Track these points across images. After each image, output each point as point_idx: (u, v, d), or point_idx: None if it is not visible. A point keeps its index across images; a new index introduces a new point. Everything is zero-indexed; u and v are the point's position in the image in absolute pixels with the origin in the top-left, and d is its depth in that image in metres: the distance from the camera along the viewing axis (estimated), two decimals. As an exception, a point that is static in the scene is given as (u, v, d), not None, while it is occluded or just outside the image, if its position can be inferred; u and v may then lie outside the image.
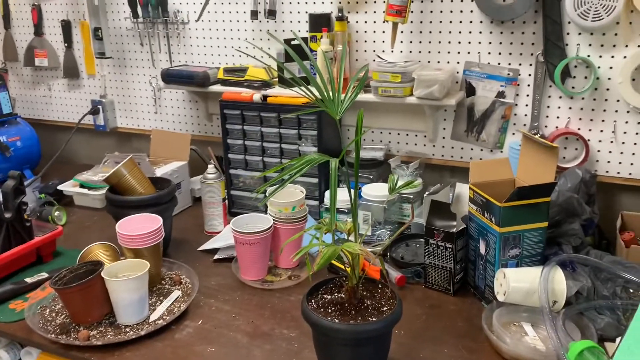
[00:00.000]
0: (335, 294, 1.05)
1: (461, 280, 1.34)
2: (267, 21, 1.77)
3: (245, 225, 1.39)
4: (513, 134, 1.56)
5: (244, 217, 1.42)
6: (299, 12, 1.73)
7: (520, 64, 1.51)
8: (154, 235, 1.31)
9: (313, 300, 1.03)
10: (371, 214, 1.56)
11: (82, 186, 1.87)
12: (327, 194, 1.62)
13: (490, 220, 1.20)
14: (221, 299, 1.32)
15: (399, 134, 1.72)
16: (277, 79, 1.71)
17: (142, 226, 1.33)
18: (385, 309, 0.99)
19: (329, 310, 0.99)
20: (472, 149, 1.64)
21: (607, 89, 1.44)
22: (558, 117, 1.51)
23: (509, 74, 1.52)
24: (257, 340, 1.17)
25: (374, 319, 0.96)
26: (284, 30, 1.76)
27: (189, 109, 2.01)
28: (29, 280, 1.37)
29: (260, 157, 1.70)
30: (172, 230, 1.57)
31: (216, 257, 1.52)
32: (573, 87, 1.47)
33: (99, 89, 2.13)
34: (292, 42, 1.63)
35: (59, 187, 1.88)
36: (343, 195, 1.58)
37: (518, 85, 1.52)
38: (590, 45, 1.43)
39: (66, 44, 2.12)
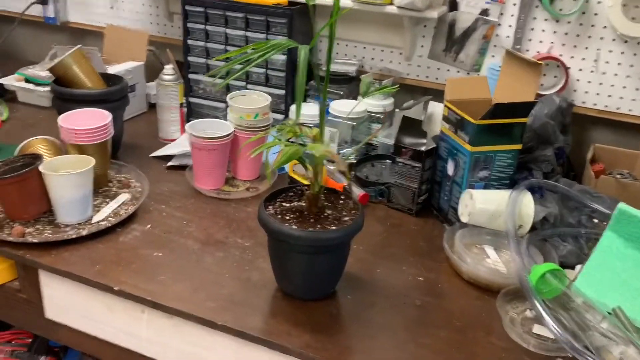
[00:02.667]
0: (295, 202, 0.98)
1: (424, 203, 1.29)
2: None
3: (203, 131, 1.29)
4: (493, 56, 1.48)
5: (203, 122, 1.32)
6: None
7: (508, -20, 1.41)
8: (102, 131, 1.21)
9: (271, 207, 0.96)
10: (338, 131, 1.48)
11: (27, 81, 1.71)
12: (292, 107, 1.52)
13: (462, 139, 1.14)
14: (173, 206, 1.24)
15: (373, 49, 1.62)
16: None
17: (88, 121, 1.22)
18: (346, 219, 0.93)
19: (287, 217, 0.93)
20: (448, 70, 1.56)
21: (595, 14, 1.36)
22: (541, 42, 1.43)
23: (495, -10, 1.42)
24: (210, 247, 1.10)
25: (333, 228, 0.90)
26: None
27: (147, 5, 1.84)
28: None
29: (223, 62, 1.58)
30: (123, 133, 1.46)
31: (170, 164, 1.42)
32: (560, 10, 1.39)
33: (50, -23, 1.93)
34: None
35: (1, 81, 1.72)
36: (310, 110, 1.51)
37: (504, 3, 1.43)
38: (583, -36, 1.34)
39: None
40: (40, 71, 1.71)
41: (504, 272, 1.04)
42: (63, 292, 1.07)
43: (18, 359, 1.49)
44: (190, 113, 1.66)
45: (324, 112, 0.88)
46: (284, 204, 0.98)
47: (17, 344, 1.48)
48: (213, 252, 1.09)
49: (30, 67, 1.75)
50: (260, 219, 0.92)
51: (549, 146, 1.25)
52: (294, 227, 0.89)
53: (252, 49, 0.75)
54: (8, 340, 1.46)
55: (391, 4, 1.41)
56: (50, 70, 1.33)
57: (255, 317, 0.93)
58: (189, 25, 1.57)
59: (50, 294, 1.09)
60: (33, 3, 1.90)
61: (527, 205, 1.10)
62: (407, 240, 1.18)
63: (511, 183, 1.18)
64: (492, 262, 1.08)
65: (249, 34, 1.53)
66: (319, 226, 0.91)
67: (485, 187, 1.17)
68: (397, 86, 0.97)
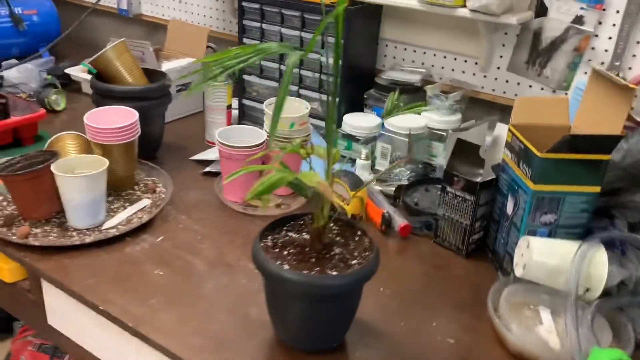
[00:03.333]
0: (303, 234, 0.83)
1: (479, 242, 1.09)
2: None
3: (234, 138, 1.18)
4: (585, 73, 1.24)
5: (235, 129, 1.21)
6: None
7: (611, -18, 1.16)
8: (127, 131, 1.13)
9: (271, 237, 0.82)
10: (392, 147, 1.31)
11: (89, 72, 1.70)
12: (346, 118, 1.37)
13: (525, 173, 0.93)
14: (193, 217, 1.14)
15: (445, 57, 1.42)
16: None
17: (116, 119, 1.15)
18: (354, 262, 0.77)
19: (285, 252, 0.78)
20: (530, 86, 1.32)
21: None
22: (649, 58, 1.17)
23: (594, -6, 1.18)
24: (215, 271, 0.99)
25: (333, 273, 0.74)
26: None
27: (214, 0, 1.77)
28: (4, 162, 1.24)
29: (278, 63, 1.46)
30: (163, 132, 1.39)
31: (206, 169, 1.33)
32: (677, 20, 1.12)
33: (127, -31, 1.93)
34: None
35: (67, 71, 1.73)
36: (365, 121, 1.35)
37: (604, 10, 1.18)
38: None
39: None
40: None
41: (556, 348, 0.82)
42: (61, 301, 1.00)
43: (45, 354, 1.48)
44: (243, 116, 1.57)
45: (332, 131, 0.72)
46: (290, 233, 0.83)
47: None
48: (218, 276, 0.97)
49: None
50: (252, 251, 0.78)
51: (643, 190, 1.00)
52: (286, 266, 0.74)
53: (236, 53, 0.62)
54: (35, 334, 1.45)
55: (464, 6, 1.22)
56: (91, 63, 1.29)
57: (240, 365, 0.80)
58: (245, 22, 1.47)
59: (50, 300, 1.03)
60: (107, -6, 1.90)
61: (599, 264, 0.87)
62: (448, 288, 0.99)
63: (585, 233, 0.95)
64: (545, 331, 0.86)
65: (304, 34, 1.40)
66: (317, 268, 0.75)
67: (550, 234, 0.95)
68: (428, 107, 0.78)
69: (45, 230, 1.04)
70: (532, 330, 0.86)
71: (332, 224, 0.85)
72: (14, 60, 1.65)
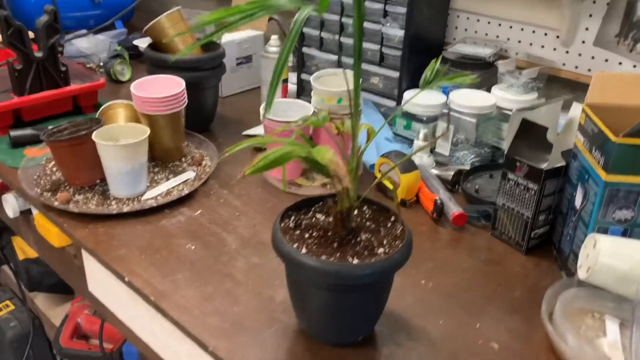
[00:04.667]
0: (330, 217, 0.76)
1: (544, 237, 0.96)
2: None
3: (283, 113, 1.12)
4: (689, 48, 1.06)
5: (285, 103, 1.15)
6: None
7: None
8: (172, 101, 1.11)
9: (295, 217, 0.75)
10: (454, 128, 1.20)
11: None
12: (407, 94, 1.27)
13: (597, 160, 0.80)
14: (235, 193, 1.10)
15: (522, 29, 1.27)
16: None
17: (163, 89, 1.13)
18: (380, 250, 0.69)
19: (307, 235, 0.72)
20: (620, 63, 1.15)
21: None
22: None
23: None
24: (248, 250, 0.94)
25: (355, 261, 0.67)
26: None
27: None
28: (50, 127, 1.26)
29: (338, 35, 1.38)
30: (217, 104, 1.36)
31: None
32: None
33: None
34: None
35: (135, 42, 1.75)
36: (428, 99, 1.24)
37: None
38: None
39: None
40: (169, 34, 1.69)
41: (618, 367, 0.70)
42: (97, 269, 1.00)
43: (98, 319, 1.52)
44: (301, 91, 1.50)
45: (357, 102, 0.64)
46: (317, 215, 0.76)
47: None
48: (249, 255, 0.92)
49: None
50: (272, 231, 0.72)
51: None
52: (304, 250, 0.68)
53: (241, 9, 0.55)
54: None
55: (543, -31, 1.07)
56: (145, 32, 1.27)
57: (255, 353, 0.75)
58: (306, -9, 1.40)
59: (90, 267, 1.03)
60: (179, -34, 1.89)
61: (682, 274, 0.73)
62: (500, 286, 0.88)
63: (669, 234, 0.80)
64: (609, 345, 0.74)
65: (366, 2, 1.30)
66: (338, 255, 0.68)
67: (624, 234, 0.81)
68: (475, 77, 0.67)
69: (87, 197, 1.04)
70: (593, 343, 0.74)
71: (365, 207, 0.77)
72: (83, 31, 1.68)
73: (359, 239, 0.71)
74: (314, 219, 0.75)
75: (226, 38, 1.50)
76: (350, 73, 1.14)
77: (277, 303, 0.83)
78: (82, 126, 1.08)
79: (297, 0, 0.55)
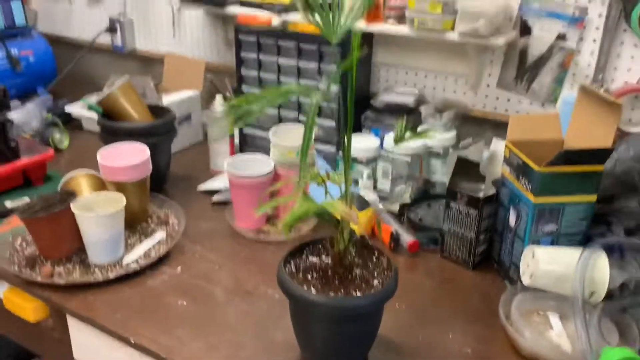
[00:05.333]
0: (323, 258, 0.88)
1: (484, 254, 1.14)
2: None
3: (243, 167, 1.22)
4: (571, 86, 1.31)
5: (244, 157, 1.26)
6: None
7: (589, 1, 1.24)
8: (140, 168, 1.17)
9: (293, 262, 0.86)
10: (392, 166, 1.37)
11: (90, 108, 1.74)
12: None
13: (525, 186, 0.99)
14: (208, 247, 1.18)
15: (436, 77, 1.49)
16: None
17: (127, 157, 1.19)
18: (375, 282, 0.82)
19: (309, 277, 0.83)
20: (520, 102, 1.39)
21: (698, 39, 1.16)
22: (629, 70, 1.24)
23: (574, 13, 1.25)
24: (236, 299, 1.03)
25: (358, 294, 0.79)
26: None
27: (208, 33, 1.83)
28: (8, 204, 1.27)
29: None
30: (170, 165, 1.43)
31: (214, 198, 1.37)
32: (654, 34, 1.19)
33: (119, 6, 1.97)
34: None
35: (67, 109, 1.77)
36: (364, 143, 1.40)
37: (584, 27, 1.26)
38: (683, -19, 1.14)
39: (87, -46, 1.96)
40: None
41: (568, 351, 0.87)
42: (89, 337, 1.03)
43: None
44: (244, 144, 1.61)
45: (349, 152, 0.77)
46: (311, 258, 0.88)
47: None
48: (238, 304, 1.01)
49: (95, 94, 1.78)
50: (278, 278, 0.82)
51: (635, 195, 1.06)
52: (313, 291, 0.79)
53: (260, 96, 0.66)
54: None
55: (453, 29, 1.28)
56: (99, 103, 1.33)
57: (271, 387, 0.84)
58: (243, 54, 1.53)
59: (78, 336, 1.06)
60: (102, 32, 1.95)
61: (600, 269, 0.93)
62: (459, 300, 1.04)
63: (585, 239, 1.01)
64: (556, 335, 0.92)
65: (301, 63, 1.45)
66: (342, 290, 0.80)
67: (553, 243, 1.00)
68: (431, 135, 0.83)
69: (68, 268, 1.07)
70: (544, 335, 0.92)
71: (351, 247, 0.90)
72: (16, 102, 1.68)
73: (354, 274, 0.83)
74: (309, 262, 0.87)
75: (167, 100, 1.58)
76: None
77: (278, 343, 0.92)
78: (53, 199, 1.11)
79: (305, 88, 0.68)
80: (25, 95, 1.87)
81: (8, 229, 1.17)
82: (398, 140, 0.83)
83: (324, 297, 0.77)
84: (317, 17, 0.70)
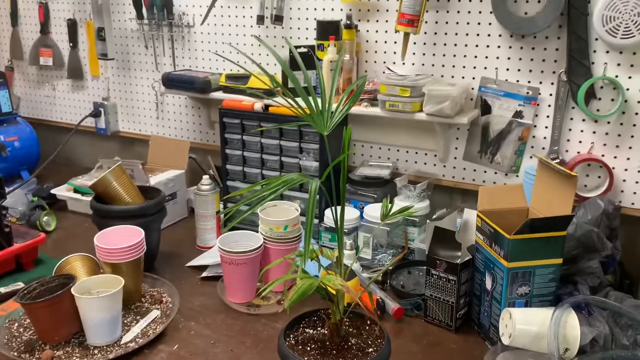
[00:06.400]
0: (319, 329, 0.94)
1: (465, 316, 1.22)
2: (274, 27, 1.68)
3: (233, 243, 1.29)
4: (530, 157, 1.44)
5: (234, 235, 1.32)
6: (307, 19, 1.63)
7: (540, 82, 1.39)
8: (134, 249, 1.23)
9: (292, 335, 0.92)
10: (372, 236, 1.45)
11: (75, 191, 1.79)
12: (327, 212, 1.51)
13: (497, 253, 1.09)
14: (202, 322, 1.22)
15: (407, 151, 1.61)
16: (280, 89, 1.62)
17: (122, 239, 1.24)
18: (370, 350, 0.88)
19: (308, 348, 0.89)
20: (485, 172, 1.52)
21: (636, 113, 1.31)
22: (580, 142, 1.38)
23: (528, 93, 1.40)
24: (234, 372, 1.07)
25: (356, 362, 0.85)
26: (291, 37, 1.67)
27: (191, 115, 1.93)
28: (2, 289, 1.29)
29: (260, 169, 1.61)
30: (159, 243, 1.48)
31: (204, 275, 1.42)
32: (598, 110, 1.34)
33: (103, 91, 2.07)
34: (299, 50, 1.54)
35: (53, 191, 1.81)
36: (348, 214, 1.49)
37: (537, 105, 1.40)
38: (619, 65, 1.30)
39: (71, 44, 2.07)
40: (88, 181, 1.78)
41: (549, 406, 0.94)
42: (87, 420, 1.05)
43: None
44: (230, 219, 1.68)
45: (342, 227, 0.85)
46: (307, 330, 0.94)
47: None
48: (238, 377, 1.05)
49: (80, 177, 1.84)
50: (280, 351, 0.88)
51: (596, 255, 1.17)
52: (314, 361, 0.85)
53: (263, 185, 0.75)
54: None
55: (421, 110, 1.41)
56: (91, 187, 1.39)
57: None
58: (227, 135, 1.62)
59: (76, 420, 1.07)
60: (87, 116, 2.03)
61: (572, 326, 1.01)
62: (445, 362, 1.10)
63: (555, 299, 1.10)
64: (538, 392, 0.99)
65: (283, 142, 1.56)
66: (341, 359, 0.86)
67: (527, 304, 1.09)
68: (414, 211, 0.93)
69: (67, 351, 1.10)
70: (526, 391, 0.98)
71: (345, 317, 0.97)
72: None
73: (350, 343, 0.90)
74: (307, 334, 0.93)
75: (153, 180, 1.65)
76: (289, 205, 1.36)
77: (278, 414, 0.96)
78: (52, 283, 1.15)
79: (304, 176, 0.77)
80: (10, 179, 1.92)
81: (3, 314, 1.19)
82: (384, 217, 0.92)
83: (325, 367, 0.83)
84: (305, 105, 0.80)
